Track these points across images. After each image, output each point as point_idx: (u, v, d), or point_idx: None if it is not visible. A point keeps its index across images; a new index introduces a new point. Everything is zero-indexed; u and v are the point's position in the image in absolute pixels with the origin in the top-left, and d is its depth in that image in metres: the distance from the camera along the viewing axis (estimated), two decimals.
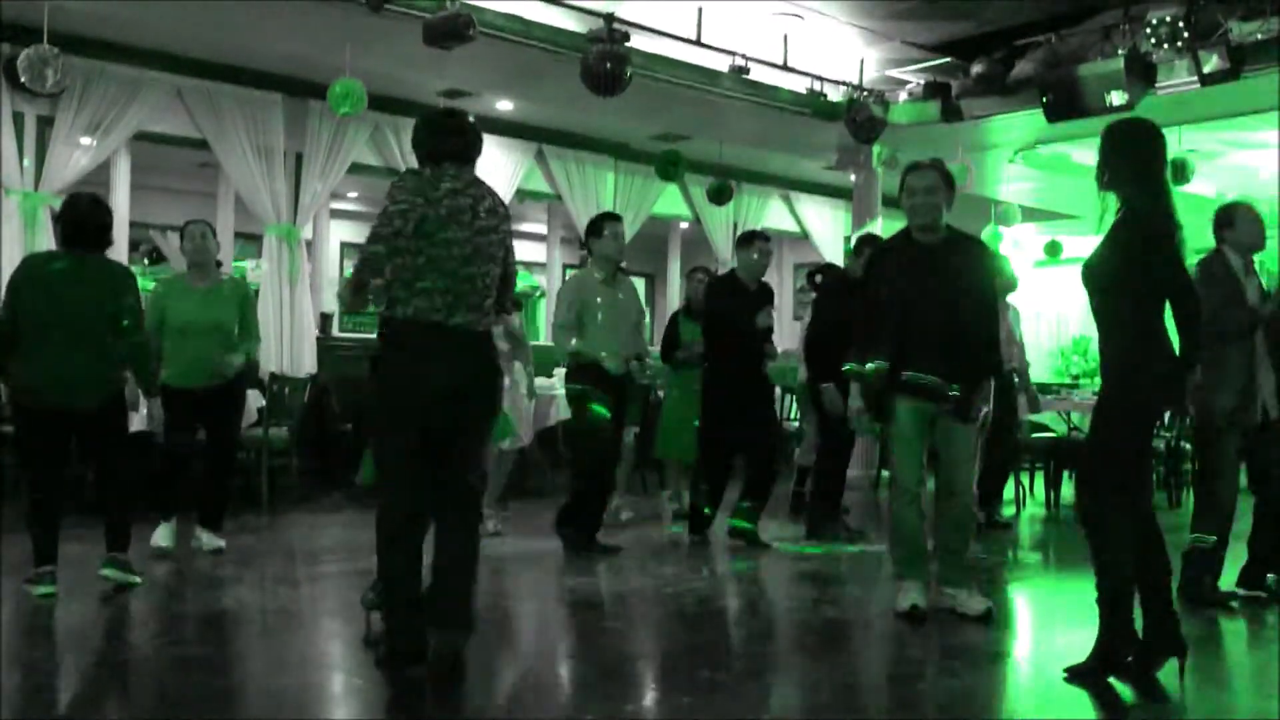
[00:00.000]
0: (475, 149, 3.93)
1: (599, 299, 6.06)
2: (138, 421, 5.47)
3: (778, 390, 10.55)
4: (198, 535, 5.96)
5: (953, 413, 4.61)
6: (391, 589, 3.75)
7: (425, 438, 3.74)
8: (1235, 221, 5.05)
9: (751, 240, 6.61)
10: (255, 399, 7.70)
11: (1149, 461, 3.87)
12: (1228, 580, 5.12)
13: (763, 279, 6.70)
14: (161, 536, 5.87)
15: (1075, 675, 3.75)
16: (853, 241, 8.55)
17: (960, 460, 4.74)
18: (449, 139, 3.87)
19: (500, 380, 4.11)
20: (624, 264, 6.42)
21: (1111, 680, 3.71)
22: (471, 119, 4.06)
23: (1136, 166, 3.76)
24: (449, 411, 3.75)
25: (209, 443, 5.98)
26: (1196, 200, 9.56)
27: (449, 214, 3.73)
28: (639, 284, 8.88)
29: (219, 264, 6.29)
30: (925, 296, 4.59)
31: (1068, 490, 8.91)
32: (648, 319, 6.72)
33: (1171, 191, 3.77)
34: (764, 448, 6.53)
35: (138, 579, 5.02)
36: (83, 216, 4.96)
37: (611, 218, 6.36)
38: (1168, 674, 3.75)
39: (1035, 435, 8.72)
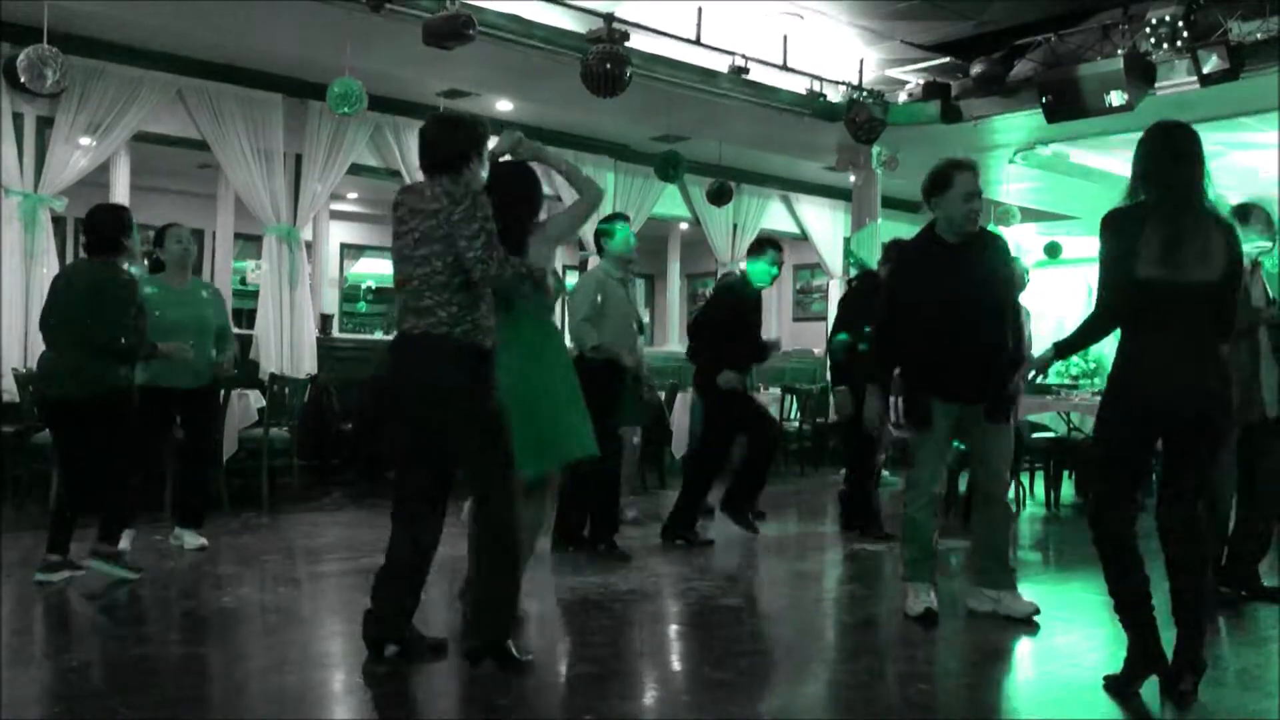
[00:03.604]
0: (430, 155, 3.87)
1: (614, 297, 6.09)
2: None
3: (777, 390, 10.63)
4: (178, 534, 6.01)
5: (987, 414, 4.60)
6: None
7: (402, 439, 3.91)
8: (1247, 223, 5.08)
9: (764, 248, 6.67)
10: (255, 399, 7.71)
11: (1144, 470, 3.72)
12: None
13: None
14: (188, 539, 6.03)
15: (1107, 686, 3.67)
16: (848, 245, 8.53)
17: (999, 462, 4.72)
18: (420, 148, 3.96)
19: (452, 381, 3.75)
20: (633, 263, 6.45)
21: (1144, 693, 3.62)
22: (443, 122, 4.00)
23: (1156, 169, 3.63)
24: (408, 422, 3.88)
25: (188, 441, 6.08)
26: None
27: (395, 226, 3.86)
28: (639, 284, 8.89)
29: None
30: (955, 296, 4.54)
31: (1068, 490, 8.92)
32: (646, 319, 6.77)
33: (1200, 195, 3.58)
34: (767, 432, 6.61)
35: (132, 574, 5.14)
36: (87, 225, 5.26)
37: (622, 218, 6.40)
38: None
39: (1035, 435, 8.72)
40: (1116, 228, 3.62)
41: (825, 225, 13.61)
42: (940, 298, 4.57)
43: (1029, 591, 4.88)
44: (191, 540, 5.97)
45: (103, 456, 5.15)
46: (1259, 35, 7.69)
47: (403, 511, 3.89)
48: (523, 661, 3.77)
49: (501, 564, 3.80)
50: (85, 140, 8.26)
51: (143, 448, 5.58)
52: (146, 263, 6.12)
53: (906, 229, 11.89)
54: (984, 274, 4.65)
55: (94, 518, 5.19)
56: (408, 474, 3.94)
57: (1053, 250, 13.54)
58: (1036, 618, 4.64)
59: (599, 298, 6.06)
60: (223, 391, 6.94)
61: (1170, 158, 3.63)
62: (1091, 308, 3.80)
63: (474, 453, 3.80)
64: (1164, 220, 3.55)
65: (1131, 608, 3.61)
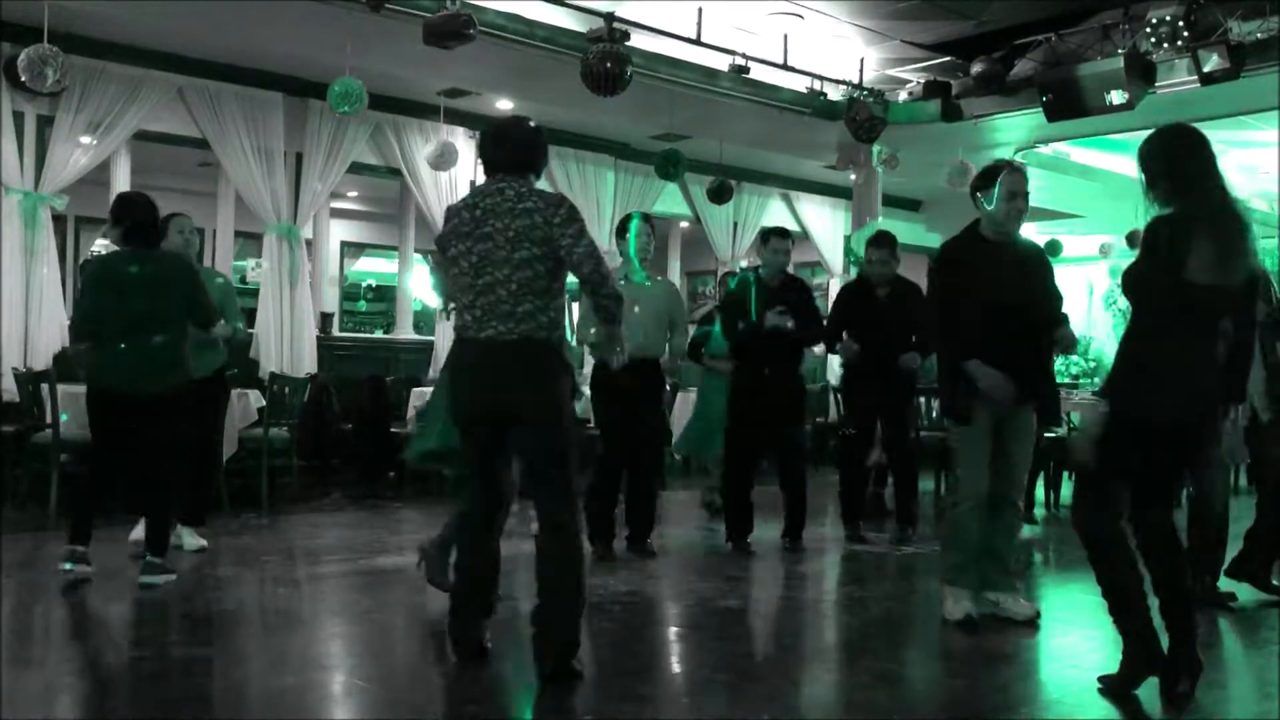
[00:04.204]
0: (515, 156, 3.81)
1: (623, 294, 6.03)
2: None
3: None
4: (178, 533, 5.90)
5: (1039, 412, 4.62)
6: (457, 585, 3.86)
7: (486, 444, 3.80)
8: None
9: (768, 238, 6.65)
10: (255, 399, 7.71)
11: (1159, 475, 3.70)
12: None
13: (791, 275, 6.74)
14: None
15: (1104, 689, 3.67)
16: (848, 243, 8.49)
17: (1021, 463, 4.70)
18: (488, 149, 3.88)
19: (557, 388, 3.75)
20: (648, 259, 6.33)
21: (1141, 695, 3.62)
22: (529, 126, 3.94)
23: (1183, 173, 3.59)
24: (495, 427, 3.76)
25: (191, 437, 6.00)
26: None
27: (471, 227, 3.74)
28: None
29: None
30: (997, 292, 4.53)
31: (1067, 490, 8.91)
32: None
33: (1216, 198, 3.55)
34: (793, 447, 6.54)
35: (173, 575, 5.14)
36: (142, 218, 5.22)
37: (640, 217, 6.34)
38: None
39: None
40: (1168, 236, 3.52)
41: (825, 224, 13.61)
42: (982, 292, 4.54)
43: (1028, 593, 4.88)
44: (191, 541, 5.96)
45: (165, 450, 5.11)
46: (1259, 35, 7.70)
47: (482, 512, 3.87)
48: (580, 673, 3.73)
49: (575, 582, 3.73)
50: (86, 139, 8.26)
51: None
52: None
53: (906, 227, 11.93)
54: (1024, 270, 4.64)
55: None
56: (490, 476, 3.85)
57: (1053, 248, 13.52)
58: (1036, 620, 4.64)
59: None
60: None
61: (1196, 161, 3.61)
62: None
63: (558, 463, 3.73)
64: (1212, 226, 3.51)
65: (1127, 608, 3.61)
